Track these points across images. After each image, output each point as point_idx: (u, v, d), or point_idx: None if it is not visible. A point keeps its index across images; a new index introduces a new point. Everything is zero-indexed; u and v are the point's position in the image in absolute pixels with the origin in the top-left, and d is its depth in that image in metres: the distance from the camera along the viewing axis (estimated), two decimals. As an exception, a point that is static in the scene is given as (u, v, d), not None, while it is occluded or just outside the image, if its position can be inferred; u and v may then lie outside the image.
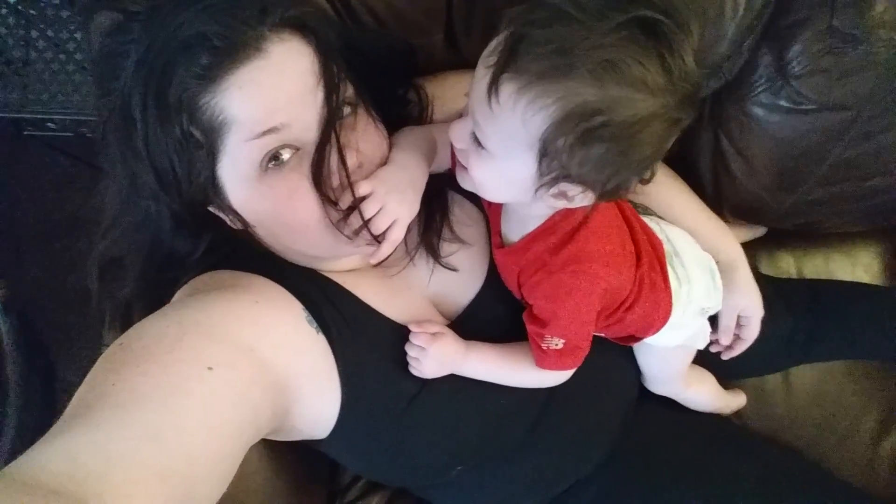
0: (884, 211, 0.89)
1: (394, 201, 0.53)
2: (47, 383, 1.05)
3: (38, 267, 1.17)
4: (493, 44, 0.44)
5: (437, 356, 0.55)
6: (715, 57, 0.69)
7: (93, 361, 0.43)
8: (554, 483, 0.72)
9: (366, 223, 0.51)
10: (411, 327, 0.57)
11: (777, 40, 0.68)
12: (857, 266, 1.01)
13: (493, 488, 0.69)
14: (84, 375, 0.41)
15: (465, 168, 0.51)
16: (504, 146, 0.46)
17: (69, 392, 0.40)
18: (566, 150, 0.43)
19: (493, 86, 0.42)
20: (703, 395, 0.79)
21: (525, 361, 0.59)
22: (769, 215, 0.90)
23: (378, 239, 0.53)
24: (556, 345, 0.56)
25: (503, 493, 0.70)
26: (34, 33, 0.87)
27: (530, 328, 0.58)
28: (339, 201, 0.51)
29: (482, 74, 0.44)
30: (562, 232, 0.53)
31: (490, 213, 0.62)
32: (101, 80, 0.52)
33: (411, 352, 0.56)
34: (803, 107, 0.70)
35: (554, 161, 0.44)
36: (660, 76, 0.40)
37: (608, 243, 0.54)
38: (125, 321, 0.61)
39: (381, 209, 0.52)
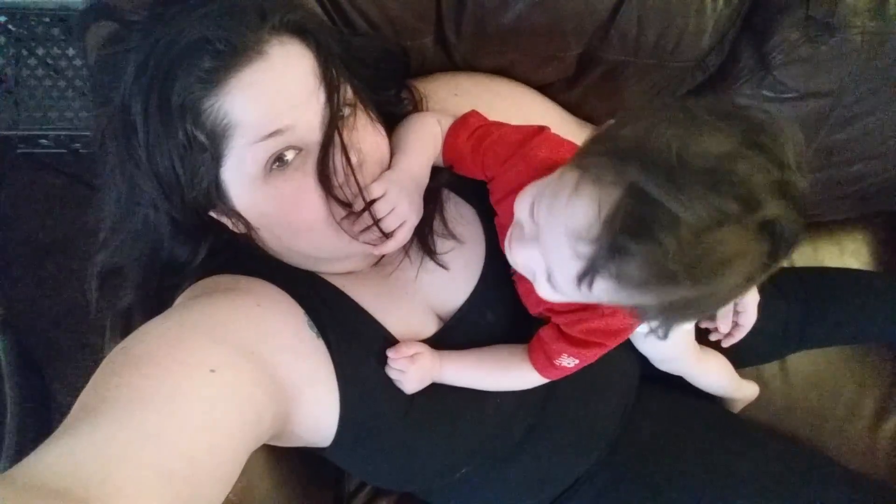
0: (868, 197, 0.91)
1: (404, 203, 0.54)
2: (42, 403, 1.04)
3: (30, 286, 1.16)
4: (583, 219, 0.38)
5: (415, 375, 0.56)
6: (697, 51, 0.71)
7: (87, 381, 0.42)
8: (558, 480, 0.72)
9: (376, 222, 0.53)
10: (389, 353, 0.57)
11: (757, 32, 0.71)
12: (845, 253, 1.03)
13: (498, 488, 0.69)
14: (78, 394, 0.41)
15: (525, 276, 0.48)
16: (585, 299, 0.43)
17: (64, 412, 0.39)
18: (655, 316, 0.42)
19: (587, 279, 0.39)
20: (717, 371, 0.79)
21: (501, 366, 0.60)
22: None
23: (387, 236, 0.54)
24: (570, 363, 0.57)
25: (509, 493, 0.70)
26: (24, 51, 0.87)
27: (554, 345, 0.57)
28: (353, 204, 0.52)
29: (570, 255, 0.39)
30: None
31: (503, 228, 0.61)
32: (99, 89, 0.53)
33: (391, 374, 0.57)
34: (785, 95, 0.72)
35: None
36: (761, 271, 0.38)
37: None
38: (126, 331, 0.60)
39: (392, 210, 0.53)
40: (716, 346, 0.78)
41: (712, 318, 0.74)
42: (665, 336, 0.44)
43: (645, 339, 0.72)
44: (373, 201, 0.52)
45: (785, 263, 1.04)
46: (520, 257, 0.46)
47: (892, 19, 0.67)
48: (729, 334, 0.75)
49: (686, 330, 0.72)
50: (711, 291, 0.37)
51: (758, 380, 0.92)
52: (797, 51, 0.69)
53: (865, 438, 0.92)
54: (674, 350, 0.73)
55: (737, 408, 0.87)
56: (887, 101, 0.73)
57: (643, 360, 0.77)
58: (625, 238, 0.36)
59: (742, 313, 0.73)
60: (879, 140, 0.79)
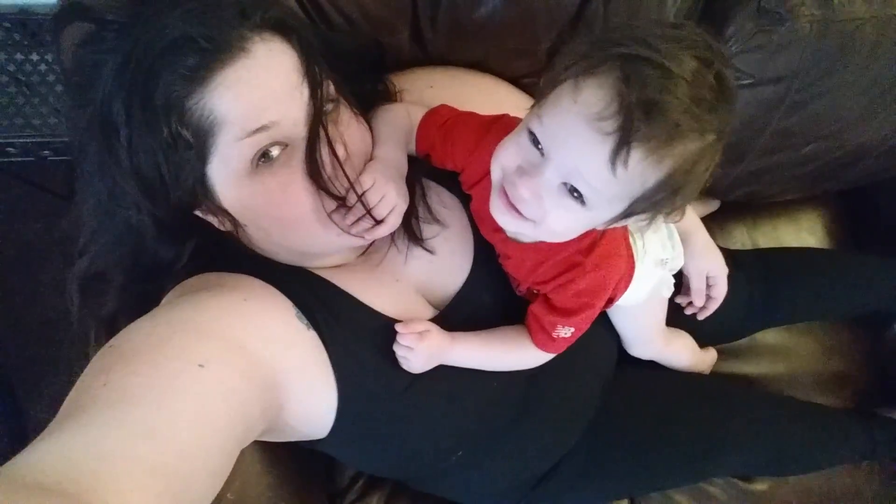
0: (820, 176, 0.97)
1: (392, 190, 0.56)
2: (16, 422, 1.00)
3: (-1, 301, 1.12)
4: (598, 102, 0.41)
5: (424, 353, 0.57)
6: (660, 41, 0.75)
7: (63, 394, 0.41)
8: (546, 456, 0.74)
9: (368, 211, 0.54)
10: (398, 328, 0.57)
11: (714, 23, 0.75)
12: (802, 231, 1.10)
13: (491, 470, 0.71)
14: (55, 408, 0.40)
15: (524, 216, 0.48)
16: (610, 200, 0.46)
17: (39, 429, 0.38)
18: (666, 198, 0.45)
19: (623, 154, 0.41)
20: (683, 351, 0.84)
21: (509, 346, 0.62)
22: (717, 188, 0.98)
23: (379, 222, 0.55)
24: (567, 333, 0.60)
25: (502, 473, 0.72)
26: (-14, 58, 0.85)
27: (546, 318, 0.59)
28: (346, 198, 0.53)
29: (597, 139, 0.42)
30: (594, 234, 0.55)
31: (480, 210, 0.63)
32: (76, 91, 0.52)
33: (399, 351, 0.57)
34: (742, 82, 0.77)
35: (645, 204, 0.46)
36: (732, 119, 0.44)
37: (619, 234, 0.58)
38: (111, 337, 0.60)
39: (382, 198, 0.55)
40: (687, 325, 0.82)
41: (687, 292, 0.78)
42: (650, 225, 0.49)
43: (622, 314, 0.75)
44: (364, 192, 0.54)
45: (748, 245, 1.11)
46: (527, 192, 0.47)
47: (836, 7, 0.72)
48: (703, 307, 0.79)
49: (658, 305, 0.76)
50: (706, 146, 0.43)
51: (729, 353, 0.97)
52: (751, 39, 0.73)
53: (831, 402, 0.97)
54: (650, 323, 0.77)
55: (701, 370, 0.91)
56: (835, 84, 0.79)
57: (620, 343, 0.80)
58: (647, 93, 0.40)
59: (714, 286, 0.77)
60: (829, 122, 0.84)
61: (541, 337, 0.61)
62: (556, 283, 0.57)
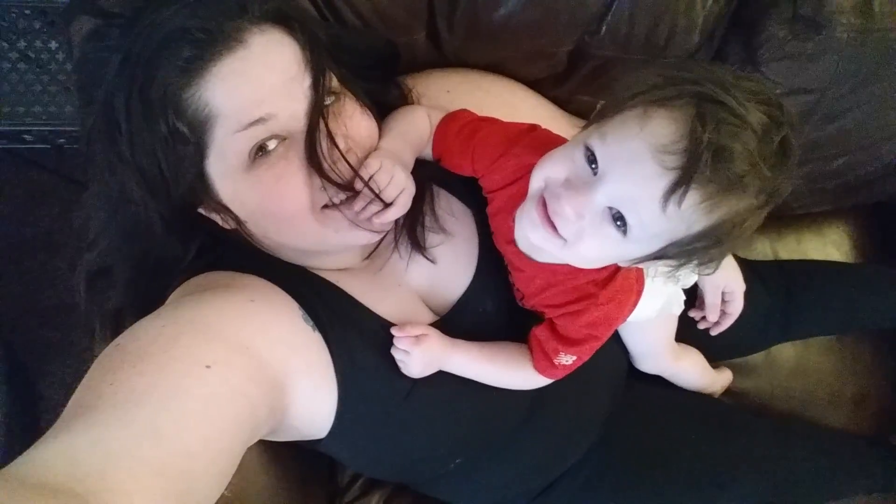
0: (849, 190, 0.93)
1: (400, 173, 0.54)
2: (29, 403, 1.03)
3: (13, 284, 1.14)
4: (668, 135, 0.40)
5: (421, 358, 0.56)
6: (687, 46, 0.72)
7: (74, 379, 0.42)
8: (550, 468, 0.73)
9: (377, 195, 0.52)
10: (394, 331, 0.56)
11: (745, 28, 0.72)
12: (827, 244, 1.06)
13: (491, 478, 0.70)
14: (66, 393, 0.41)
15: (557, 232, 0.46)
16: (652, 236, 0.44)
17: (51, 408, 0.39)
18: (704, 248, 0.44)
19: (679, 192, 0.40)
20: (692, 369, 0.82)
21: (511, 364, 0.61)
22: (743, 199, 0.94)
23: (388, 205, 0.54)
24: (568, 361, 0.58)
25: (502, 482, 0.72)
26: (5, 45, 0.85)
27: (549, 344, 0.58)
28: (353, 185, 0.52)
29: (656, 171, 0.40)
30: (613, 266, 0.54)
31: (496, 218, 0.62)
32: (84, 88, 0.52)
33: (397, 354, 0.56)
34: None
35: (680, 249, 0.44)
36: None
37: (635, 269, 0.56)
38: (116, 332, 0.60)
39: (391, 180, 0.53)
40: (700, 340, 0.80)
41: (701, 305, 0.76)
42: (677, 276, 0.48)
43: (631, 329, 0.74)
44: (371, 175, 0.53)
45: (770, 255, 1.08)
46: (571, 209, 0.45)
47: (877, 16, 0.68)
48: (717, 323, 0.77)
49: (668, 321, 0.74)
50: (759, 205, 0.42)
51: (744, 368, 0.95)
52: (784, 47, 0.70)
53: (848, 423, 0.95)
54: (659, 339, 0.75)
55: (716, 395, 0.90)
56: (871, 96, 0.75)
57: (629, 358, 0.78)
58: (720, 136, 0.39)
59: (730, 302, 0.75)
60: (863, 135, 0.81)
61: (542, 361, 0.60)
62: (566, 310, 0.56)
